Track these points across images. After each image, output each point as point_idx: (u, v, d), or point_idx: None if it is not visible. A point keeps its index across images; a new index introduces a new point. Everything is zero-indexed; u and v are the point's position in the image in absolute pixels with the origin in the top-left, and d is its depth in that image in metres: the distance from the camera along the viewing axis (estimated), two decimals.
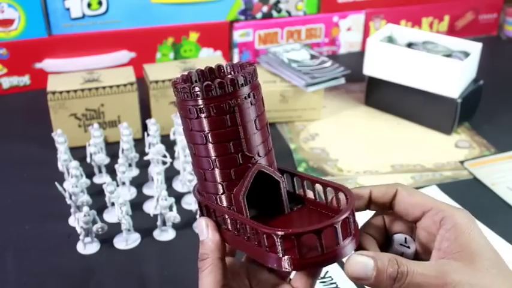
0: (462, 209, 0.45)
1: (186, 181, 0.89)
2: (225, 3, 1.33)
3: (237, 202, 0.46)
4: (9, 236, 0.83)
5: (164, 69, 1.09)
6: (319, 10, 1.41)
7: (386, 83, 1.13)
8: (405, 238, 0.48)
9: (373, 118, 1.16)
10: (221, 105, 0.44)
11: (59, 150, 0.93)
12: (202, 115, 0.45)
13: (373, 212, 0.50)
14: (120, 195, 0.82)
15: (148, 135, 0.95)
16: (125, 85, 1.02)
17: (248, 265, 0.53)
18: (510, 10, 1.54)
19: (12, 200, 0.91)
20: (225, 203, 0.47)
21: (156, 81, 1.04)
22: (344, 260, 0.44)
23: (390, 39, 1.18)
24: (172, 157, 0.97)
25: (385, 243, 0.49)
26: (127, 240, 0.81)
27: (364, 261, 0.42)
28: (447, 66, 1.04)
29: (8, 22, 1.19)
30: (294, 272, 0.51)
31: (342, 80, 1.14)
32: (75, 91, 1.00)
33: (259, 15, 1.37)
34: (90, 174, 0.94)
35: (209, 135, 0.45)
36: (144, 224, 0.84)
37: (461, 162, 1.01)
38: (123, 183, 0.91)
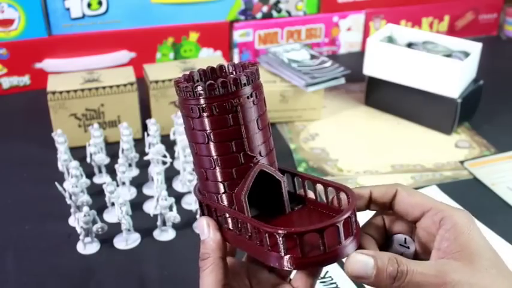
0: (462, 209, 0.45)
1: (186, 181, 0.89)
2: (225, 3, 1.33)
3: (239, 201, 0.46)
4: (9, 236, 0.83)
5: (164, 69, 1.09)
6: (319, 10, 1.41)
7: (386, 83, 1.13)
8: (405, 238, 0.48)
9: (373, 118, 1.16)
10: (224, 104, 0.45)
11: (59, 150, 0.93)
12: (205, 114, 0.45)
13: (373, 212, 0.50)
14: (120, 195, 0.82)
15: (148, 135, 0.95)
16: (125, 85, 1.02)
17: (248, 265, 0.53)
18: (510, 10, 1.54)
19: (12, 200, 0.91)
20: (226, 203, 0.47)
21: (156, 81, 1.04)
22: (344, 259, 0.44)
23: (390, 39, 1.18)
24: (172, 157, 0.97)
25: (385, 244, 0.49)
26: (127, 240, 0.81)
27: (364, 260, 0.42)
28: (447, 66, 1.04)
29: (8, 22, 1.19)
30: (294, 272, 0.51)
31: (342, 80, 1.14)
32: (75, 91, 1.00)
33: (259, 15, 1.37)
34: (90, 174, 0.94)
35: (211, 134, 0.45)
36: (144, 224, 0.84)
37: (461, 162, 1.01)
38: (123, 183, 0.91)
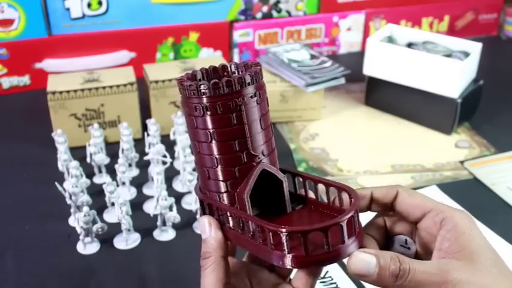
0: (462, 210, 0.46)
1: (186, 181, 0.89)
2: (225, 3, 1.33)
3: (241, 201, 0.46)
4: (9, 236, 0.83)
5: (164, 69, 1.09)
6: (319, 10, 1.41)
7: (386, 83, 1.13)
8: (406, 239, 0.48)
9: (373, 118, 1.16)
10: (228, 103, 0.45)
11: (59, 150, 0.93)
12: (209, 113, 0.45)
13: (374, 214, 0.51)
14: (120, 195, 0.82)
15: (148, 135, 0.95)
16: (125, 85, 1.02)
17: (249, 265, 0.53)
18: (510, 10, 1.54)
19: (12, 200, 0.91)
20: (228, 202, 0.47)
21: (156, 81, 1.04)
22: (346, 258, 0.44)
23: (390, 39, 1.18)
24: (172, 157, 0.97)
25: (386, 245, 0.49)
26: (127, 240, 0.81)
27: (366, 259, 0.42)
28: (447, 66, 1.04)
29: (8, 22, 1.19)
30: (294, 272, 0.51)
31: (342, 80, 1.14)
32: (75, 91, 1.00)
33: (259, 15, 1.37)
34: (90, 174, 0.94)
35: (214, 133, 0.45)
36: (144, 224, 0.84)
37: (461, 162, 1.01)
38: (123, 183, 0.91)
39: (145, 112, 1.07)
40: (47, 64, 1.25)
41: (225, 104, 0.45)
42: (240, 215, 0.46)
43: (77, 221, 0.79)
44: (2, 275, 0.76)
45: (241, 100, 0.45)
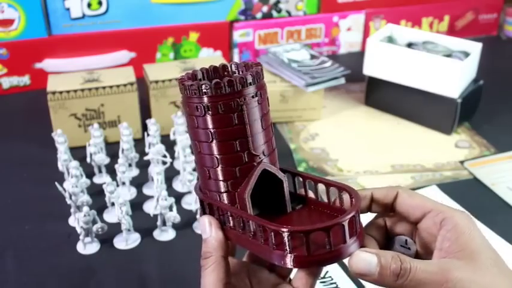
0: (462, 210, 0.46)
1: (186, 181, 0.89)
2: (225, 3, 1.33)
3: (242, 200, 0.46)
4: (9, 236, 0.83)
5: (164, 69, 1.09)
6: (319, 10, 1.41)
7: (386, 83, 1.13)
8: (406, 239, 0.48)
9: (373, 118, 1.16)
10: (230, 103, 0.45)
11: (59, 150, 0.93)
12: (210, 112, 0.45)
13: (374, 215, 0.51)
14: (120, 195, 0.82)
15: (148, 135, 0.95)
16: (125, 85, 1.02)
17: (249, 265, 0.53)
18: (510, 10, 1.54)
19: (12, 200, 0.91)
20: (228, 201, 0.47)
21: (156, 81, 1.04)
22: (347, 258, 0.44)
23: (390, 39, 1.18)
24: (172, 157, 0.97)
25: (386, 245, 0.50)
26: (127, 240, 0.81)
27: (367, 258, 0.42)
28: (447, 66, 1.04)
29: (8, 22, 1.19)
30: (294, 272, 0.51)
31: (342, 80, 1.14)
32: (75, 91, 1.00)
33: (259, 15, 1.37)
34: (90, 174, 0.94)
35: (215, 133, 0.45)
36: (144, 224, 0.84)
37: (461, 162, 1.01)
38: (123, 183, 0.91)
39: (145, 112, 1.07)
40: (47, 64, 1.25)
41: (226, 104, 0.45)
42: (242, 214, 0.46)
43: (77, 221, 0.79)
44: (2, 275, 0.76)
45: (242, 100, 0.45)
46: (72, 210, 0.83)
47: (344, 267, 0.75)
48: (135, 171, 0.97)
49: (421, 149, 1.05)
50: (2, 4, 1.17)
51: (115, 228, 0.82)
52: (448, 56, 1.09)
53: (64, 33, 1.25)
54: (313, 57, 1.19)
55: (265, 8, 1.36)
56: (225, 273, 0.47)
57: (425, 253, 0.47)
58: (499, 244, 0.79)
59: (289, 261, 0.43)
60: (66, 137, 0.94)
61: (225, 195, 0.47)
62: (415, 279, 0.42)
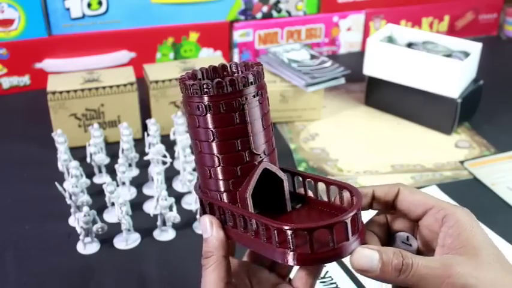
0: (463, 207, 0.46)
1: (186, 181, 0.89)
2: (225, 3, 1.33)
3: (243, 200, 0.46)
4: (9, 236, 0.83)
5: (164, 69, 1.09)
6: (319, 10, 1.41)
7: (386, 83, 1.13)
8: (407, 236, 0.48)
9: (373, 118, 1.16)
10: (231, 102, 0.45)
11: (59, 150, 0.93)
12: (211, 112, 0.45)
13: (375, 212, 0.51)
14: (120, 195, 0.82)
15: (148, 135, 0.95)
16: (125, 85, 1.02)
17: (249, 264, 0.53)
18: (510, 10, 1.54)
19: (12, 200, 0.91)
20: (229, 201, 0.47)
21: (156, 81, 1.04)
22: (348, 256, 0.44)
23: (390, 39, 1.18)
24: (172, 157, 0.97)
25: (388, 242, 0.50)
26: (127, 240, 0.81)
27: (369, 254, 0.42)
28: (447, 66, 1.04)
29: (8, 22, 1.19)
30: (294, 272, 0.51)
31: (342, 80, 1.14)
32: (75, 91, 1.00)
33: (259, 15, 1.37)
34: (90, 174, 0.94)
35: (217, 132, 0.45)
36: (144, 224, 0.84)
37: (461, 162, 1.01)
38: (123, 183, 0.91)
39: (145, 112, 1.07)
40: (47, 64, 1.25)
41: (228, 103, 0.45)
42: (243, 213, 0.46)
43: (77, 221, 0.79)
44: (2, 275, 0.76)
45: (244, 99, 0.45)
46: (72, 210, 0.83)
47: (344, 267, 0.75)
48: (135, 171, 0.97)
49: (421, 149, 1.05)
50: (2, 4, 1.17)
51: (115, 228, 0.82)
52: (448, 56, 1.09)
53: (64, 33, 1.25)
54: (313, 57, 1.19)
55: (265, 8, 1.36)
56: (226, 272, 0.47)
57: (426, 250, 0.48)
58: (499, 244, 0.79)
59: (292, 259, 0.43)
60: (66, 137, 0.94)
61: (225, 195, 0.47)
62: (417, 275, 0.42)
